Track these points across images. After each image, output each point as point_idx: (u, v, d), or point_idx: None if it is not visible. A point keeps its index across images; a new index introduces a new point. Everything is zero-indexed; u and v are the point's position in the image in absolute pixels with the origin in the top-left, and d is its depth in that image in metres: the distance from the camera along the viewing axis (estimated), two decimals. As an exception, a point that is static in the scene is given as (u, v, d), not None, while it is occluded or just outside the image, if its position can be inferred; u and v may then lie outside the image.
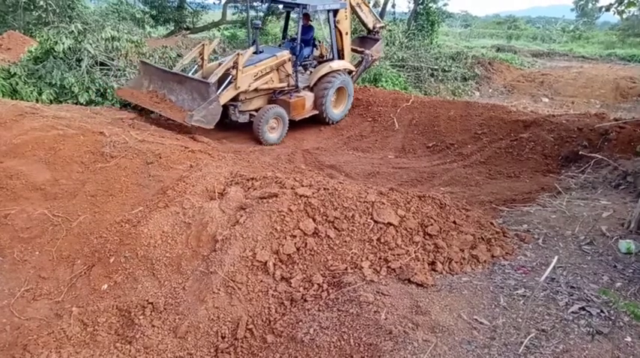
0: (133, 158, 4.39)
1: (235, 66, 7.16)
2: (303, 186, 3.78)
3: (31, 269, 3.56)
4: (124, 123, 6.08)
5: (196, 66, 7.82)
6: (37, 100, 7.06)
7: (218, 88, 7.03)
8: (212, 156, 5.01)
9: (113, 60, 8.43)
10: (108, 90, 7.67)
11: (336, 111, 9.07)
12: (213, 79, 6.83)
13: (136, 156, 4.41)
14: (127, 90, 7.30)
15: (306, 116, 8.50)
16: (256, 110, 7.85)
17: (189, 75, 7.32)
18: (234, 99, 7.50)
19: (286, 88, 8.17)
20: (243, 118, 7.75)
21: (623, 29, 26.13)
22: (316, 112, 8.63)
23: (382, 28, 10.49)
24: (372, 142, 8.38)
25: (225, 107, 7.32)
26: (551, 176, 6.22)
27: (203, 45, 7.68)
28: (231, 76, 7.24)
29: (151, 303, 3.22)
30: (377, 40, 10.03)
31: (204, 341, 3.00)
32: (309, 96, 8.50)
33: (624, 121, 7.18)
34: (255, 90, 7.71)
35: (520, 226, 3.99)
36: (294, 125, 8.29)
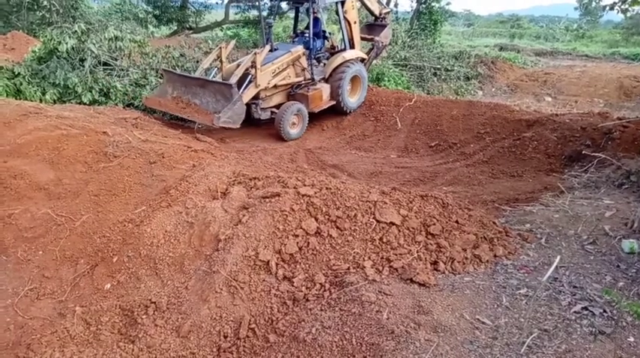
0: (136, 158, 4.41)
1: (254, 65, 7.35)
2: (305, 185, 3.79)
3: (34, 269, 3.58)
4: (127, 122, 6.11)
5: (216, 69, 8.00)
6: (40, 100, 7.11)
7: (239, 88, 7.18)
8: (215, 155, 5.03)
9: (116, 60, 8.47)
10: (111, 90, 7.71)
11: (352, 99, 9.18)
12: (234, 80, 7.01)
13: (139, 155, 4.43)
14: (154, 99, 7.48)
15: (324, 107, 8.65)
16: (277, 106, 8.07)
17: (211, 78, 7.51)
18: (255, 97, 7.70)
19: (303, 82, 8.36)
20: (265, 115, 7.97)
21: (627, 28, 25.96)
22: (333, 103, 8.78)
23: (388, 13, 10.56)
24: (375, 142, 8.37)
25: (248, 106, 7.47)
26: (554, 175, 6.19)
27: (220, 48, 7.86)
28: (250, 76, 7.44)
29: (154, 303, 3.24)
30: (384, 26, 10.10)
31: (206, 341, 3.01)
32: (325, 88, 8.67)
33: (628, 120, 7.12)
34: (275, 86, 7.92)
35: (523, 226, 3.98)
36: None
